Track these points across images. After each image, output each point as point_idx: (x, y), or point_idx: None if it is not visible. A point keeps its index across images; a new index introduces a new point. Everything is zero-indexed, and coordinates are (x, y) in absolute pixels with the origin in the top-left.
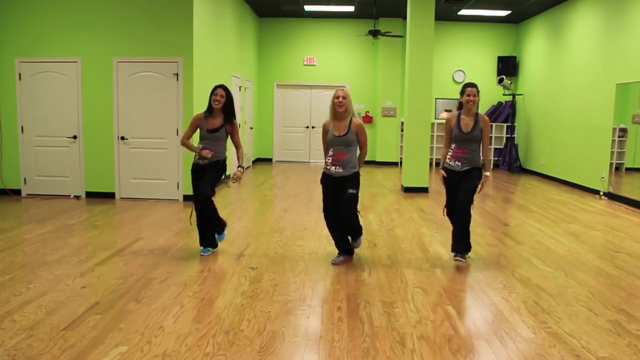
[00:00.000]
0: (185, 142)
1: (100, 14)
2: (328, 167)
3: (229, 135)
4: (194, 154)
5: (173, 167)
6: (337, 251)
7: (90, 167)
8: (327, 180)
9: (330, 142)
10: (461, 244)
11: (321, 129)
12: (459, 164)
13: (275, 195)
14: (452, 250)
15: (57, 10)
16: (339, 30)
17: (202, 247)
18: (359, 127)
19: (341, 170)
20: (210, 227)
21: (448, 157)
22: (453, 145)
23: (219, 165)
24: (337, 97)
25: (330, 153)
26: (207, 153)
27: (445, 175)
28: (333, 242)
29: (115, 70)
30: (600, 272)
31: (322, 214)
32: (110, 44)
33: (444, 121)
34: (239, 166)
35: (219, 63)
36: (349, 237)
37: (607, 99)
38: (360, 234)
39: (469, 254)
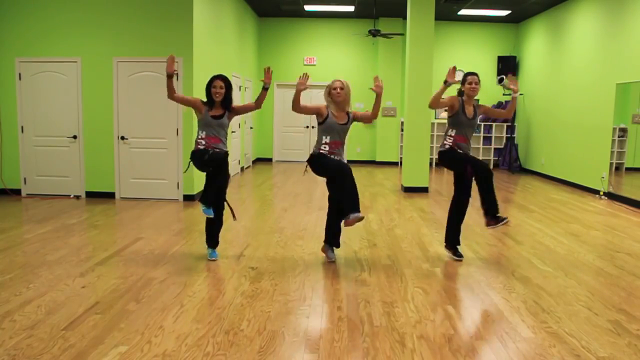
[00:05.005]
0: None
1: (100, 14)
2: (325, 153)
3: (230, 120)
4: (195, 143)
5: (173, 167)
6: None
7: (90, 167)
8: (324, 156)
9: (330, 129)
10: (495, 203)
11: None
12: (461, 151)
13: (275, 195)
14: (490, 215)
15: (57, 10)
16: (339, 30)
17: (209, 250)
18: (355, 113)
19: (338, 159)
20: (218, 227)
21: (449, 142)
22: (453, 132)
23: (226, 164)
24: (335, 89)
25: (327, 140)
26: (171, 63)
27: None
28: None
29: (115, 70)
30: (600, 272)
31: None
32: (110, 43)
33: (444, 121)
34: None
35: (219, 63)
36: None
37: (607, 99)
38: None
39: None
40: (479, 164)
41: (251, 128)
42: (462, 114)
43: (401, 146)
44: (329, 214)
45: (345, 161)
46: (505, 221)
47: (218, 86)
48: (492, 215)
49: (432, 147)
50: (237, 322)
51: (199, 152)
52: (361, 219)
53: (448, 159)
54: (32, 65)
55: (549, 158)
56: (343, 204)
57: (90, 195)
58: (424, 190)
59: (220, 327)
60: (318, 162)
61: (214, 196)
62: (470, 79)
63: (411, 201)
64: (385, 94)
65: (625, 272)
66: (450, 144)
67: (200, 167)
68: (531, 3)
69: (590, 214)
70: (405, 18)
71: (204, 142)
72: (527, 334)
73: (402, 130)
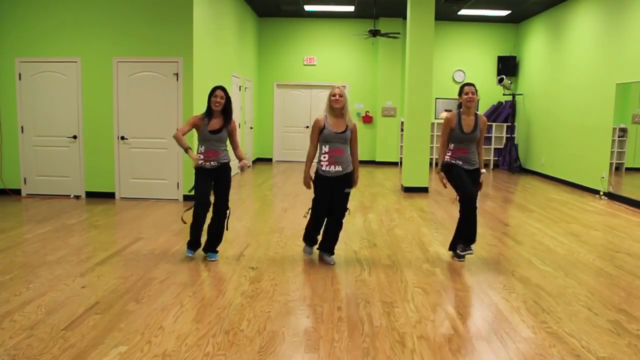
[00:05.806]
0: (178, 136)
1: (100, 14)
2: (325, 168)
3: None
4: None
5: (173, 167)
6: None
7: (90, 167)
8: (323, 181)
9: (327, 138)
10: (473, 234)
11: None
12: (460, 162)
13: (275, 195)
14: (461, 245)
15: (57, 10)
16: (339, 30)
17: (207, 253)
18: (354, 127)
19: (340, 169)
20: (219, 238)
21: (448, 156)
22: (452, 146)
23: (229, 171)
24: (334, 95)
25: (326, 150)
26: (197, 160)
27: (444, 176)
28: (307, 235)
29: (115, 70)
30: (600, 272)
31: (312, 218)
32: (110, 44)
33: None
34: (241, 159)
35: (219, 63)
36: (324, 251)
37: (607, 99)
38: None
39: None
40: (467, 197)
41: (251, 128)
42: (457, 130)
43: (401, 146)
44: (320, 218)
45: (351, 168)
46: (469, 252)
47: (219, 96)
48: (466, 243)
49: (432, 147)
50: (237, 322)
51: (200, 167)
52: (331, 264)
53: (446, 173)
54: (32, 65)
55: (549, 158)
56: (324, 238)
57: (90, 195)
58: (424, 190)
59: (220, 327)
60: (322, 185)
61: (199, 243)
62: (467, 89)
63: (411, 201)
64: (386, 94)
65: (625, 272)
66: (449, 156)
67: (199, 184)
68: (531, 3)
69: (590, 214)
70: (405, 18)
71: (202, 157)
72: (527, 334)
73: (402, 130)
